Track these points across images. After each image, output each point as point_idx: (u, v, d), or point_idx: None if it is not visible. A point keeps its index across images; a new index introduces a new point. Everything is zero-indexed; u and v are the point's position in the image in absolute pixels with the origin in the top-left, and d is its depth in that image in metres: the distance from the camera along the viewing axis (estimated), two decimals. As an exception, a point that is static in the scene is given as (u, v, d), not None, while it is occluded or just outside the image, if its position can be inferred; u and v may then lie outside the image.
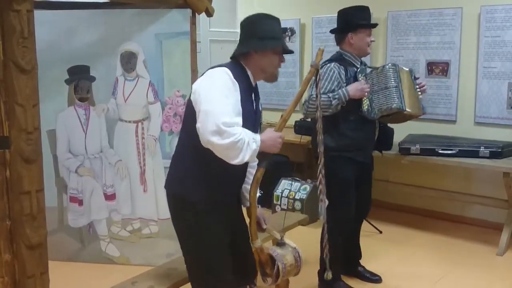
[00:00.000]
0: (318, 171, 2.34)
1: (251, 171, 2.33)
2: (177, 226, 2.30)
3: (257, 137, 2.08)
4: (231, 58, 2.27)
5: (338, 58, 3.12)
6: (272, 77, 2.29)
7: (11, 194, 1.66)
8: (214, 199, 2.20)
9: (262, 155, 2.14)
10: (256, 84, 2.32)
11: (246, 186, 2.37)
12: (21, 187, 1.65)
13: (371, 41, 3.12)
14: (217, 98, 2.02)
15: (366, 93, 3.04)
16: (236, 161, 2.01)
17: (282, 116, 2.25)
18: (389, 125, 3.54)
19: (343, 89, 2.99)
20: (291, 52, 2.29)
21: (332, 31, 3.25)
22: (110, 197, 3.70)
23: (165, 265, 2.74)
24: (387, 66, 3.13)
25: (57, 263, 3.27)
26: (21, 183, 1.65)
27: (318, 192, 2.37)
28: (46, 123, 3.27)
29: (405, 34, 4.71)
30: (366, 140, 3.18)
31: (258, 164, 2.22)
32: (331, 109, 2.96)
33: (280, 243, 2.37)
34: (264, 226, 2.44)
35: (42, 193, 1.71)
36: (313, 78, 2.35)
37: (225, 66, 2.15)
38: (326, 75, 3.01)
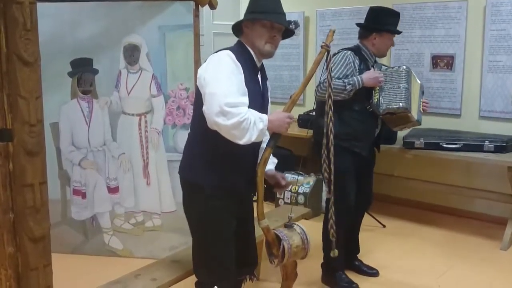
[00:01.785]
0: (322, 160, 2.34)
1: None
2: (186, 210, 2.34)
3: (264, 116, 2.09)
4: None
5: (355, 50, 3.15)
6: (264, 53, 2.25)
7: (14, 187, 1.66)
8: (223, 184, 2.21)
9: (270, 135, 2.14)
10: (262, 65, 2.33)
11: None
12: (24, 180, 1.64)
13: (392, 46, 3.23)
14: (220, 80, 2.04)
15: (380, 82, 3.08)
16: (243, 140, 2.02)
17: (291, 96, 2.24)
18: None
19: (358, 76, 3.03)
20: (279, 23, 2.23)
21: (358, 25, 3.27)
22: (113, 190, 3.71)
23: (168, 258, 2.74)
24: (402, 68, 3.21)
25: (60, 256, 3.28)
26: (24, 176, 1.64)
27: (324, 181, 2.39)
28: (49, 115, 3.27)
29: (410, 27, 4.68)
30: (366, 132, 3.18)
31: (266, 144, 2.22)
32: (343, 94, 2.98)
33: (288, 225, 2.36)
34: (283, 182, 2.41)
35: (45, 185, 1.70)
36: (324, 59, 2.33)
37: (228, 49, 2.17)
38: (342, 60, 3.05)
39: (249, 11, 2.26)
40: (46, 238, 1.72)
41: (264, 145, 2.31)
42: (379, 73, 3.11)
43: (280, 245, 2.27)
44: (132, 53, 3.56)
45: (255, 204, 2.30)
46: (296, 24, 5.44)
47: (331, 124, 2.32)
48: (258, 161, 2.24)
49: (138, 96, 3.59)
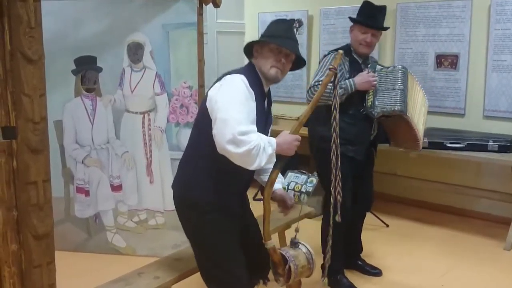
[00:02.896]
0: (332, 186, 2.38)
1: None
2: (184, 227, 2.34)
3: (273, 140, 2.10)
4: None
5: (345, 49, 3.08)
6: (269, 78, 2.24)
7: (18, 184, 1.66)
8: (220, 203, 2.21)
9: (277, 157, 2.15)
10: (269, 90, 2.33)
11: (262, 178, 2.41)
12: (28, 177, 1.65)
13: (365, 41, 3.03)
14: (233, 107, 2.03)
15: (373, 86, 3.01)
16: (254, 166, 2.04)
17: (298, 118, 2.24)
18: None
19: (350, 79, 2.97)
20: (285, 47, 2.21)
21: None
22: (116, 188, 3.71)
23: (171, 256, 2.74)
24: (398, 68, 3.10)
25: (63, 253, 3.29)
26: (28, 173, 1.64)
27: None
28: (53, 113, 3.27)
29: (414, 26, 4.67)
30: (359, 136, 3.11)
31: (273, 166, 2.22)
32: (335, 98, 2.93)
33: (293, 243, 2.37)
34: (290, 203, 2.42)
35: (49, 183, 1.71)
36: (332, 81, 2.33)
37: (242, 73, 2.15)
38: (329, 63, 2.96)
39: (261, 36, 2.26)
40: (50, 235, 1.72)
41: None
42: (372, 75, 3.02)
43: (286, 265, 2.29)
44: (135, 51, 3.56)
45: (254, 204, 2.31)
46: (300, 22, 5.42)
47: (334, 135, 2.33)
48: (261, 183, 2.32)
49: (142, 94, 3.59)
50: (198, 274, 2.54)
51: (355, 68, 3.06)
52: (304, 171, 4.82)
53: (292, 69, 2.34)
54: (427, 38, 4.61)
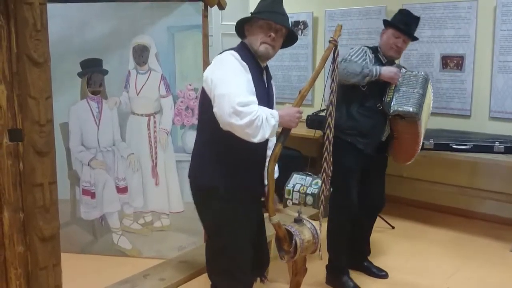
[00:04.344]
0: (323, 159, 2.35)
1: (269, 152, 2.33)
2: (201, 215, 2.33)
3: (275, 112, 2.09)
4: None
5: (373, 48, 3.15)
6: (259, 54, 2.21)
7: (24, 186, 1.67)
8: (237, 185, 2.20)
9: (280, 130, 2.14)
10: (266, 65, 2.32)
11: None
12: (34, 179, 1.65)
13: (396, 45, 3.10)
14: (229, 80, 2.03)
15: (396, 80, 3.04)
16: (258, 138, 2.01)
17: (300, 92, 2.24)
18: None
19: (377, 66, 3.00)
20: (272, 21, 2.18)
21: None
22: (122, 190, 3.72)
23: (177, 258, 2.75)
24: (421, 73, 3.14)
25: (69, 255, 3.30)
26: (34, 175, 1.65)
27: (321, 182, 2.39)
28: (59, 116, 3.28)
29: (420, 28, 4.58)
30: (372, 128, 3.11)
31: (276, 140, 2.22)
32: (358, 77, 2.94)
33: (298, 220, 2.36)
34: (277, 207, 2.40)
35: (55, 185, 1.71)
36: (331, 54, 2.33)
37: (232, 49, 2.17)
38: (359, 51, 3.05)
39: (251, 13, 2.26)
40: (56, 237, 1.73)
41: (271, 144, 2.33)
42: (399, 71, 3.07)
43: (292, 241, 2.27)
44: (141, 54, 3.57)
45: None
46: (305, 24, 5.43)
47: (330, 119, 2.34)
48: (268, 158, 2.25)
49: (147, 96, 3.60)
50: (203, 276, 2.55)
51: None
52: (309, 173, 4.81)
53: (284, 45, 2.32)
54: (433, 39, 4.60)
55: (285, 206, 4.68)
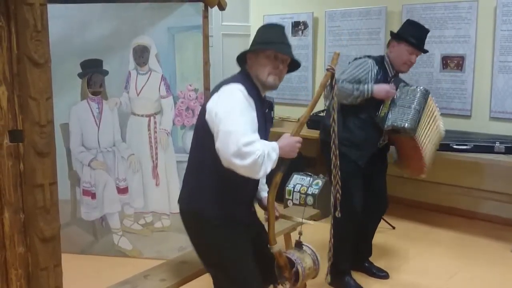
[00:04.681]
0: (332, 166, 2.35)
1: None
2: (195, 243, 2.29)
3: (275, 145, 2.08)
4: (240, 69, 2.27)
5: (378, 60, 3.11)
6: (267, 86, 2.21)
7: (25, 187, 1.67)
8: (230, 214, 2.19)
9: (280, 159, 2.12)
10: (265, 95, 2.31)
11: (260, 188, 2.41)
12: (35, 180, 1.65)
13: (410, 61, 3.10)
14: (235, 118, 2.00)
15: (389, 96, 3.02)
16: (260, 175, 2.02)
17: (298, 120, 2.24)
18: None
19: (369, 84, 2.98)
20: (282, 53, 2.18)
21: (391, 33, 3.24)
22: (122, 190, 3.72)
23: (177, 258, 2.74)
24: (419, 88, 3.09)
25: (70, 256, 3.30)
26: (35, 176, 1.65)
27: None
28: (59, 116, 3.29)
29: (420, 28, 4.65)
30: (367, 141, 3.11)
31: (276, 168, 2.18)
32: (350, 98, 2.96)
33: (298, 244, 2.37)
34: (277, 214, 2.40)
35: (56, 186, 1.71)
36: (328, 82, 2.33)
37: (239, 82, 2.12)
38: (360, 65, 3.03)
39: (254, 41, 2.22)
40: (56, 238, 1.73)
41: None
42: (392, 87, 3.04)
43: (293, 268, 2.28)
44: (141, 54, 3.58)
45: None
46: (305, 25, 5.43)
47: (335, 126, 2.34)
48: (259, 188, 2.31)
49: (148, 97, 3.60)
50: (204, 277, 2.55)
51: (382, 80, 3.07)
52: (309, 173, 4.82)
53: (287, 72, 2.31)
54: (433, 40, 4.59)
55: (286, 206, 4.69)
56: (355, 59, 3.14)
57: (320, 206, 4.38)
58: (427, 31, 3.19)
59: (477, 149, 3.88)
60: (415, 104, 3.02)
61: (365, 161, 3.14)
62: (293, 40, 5.54)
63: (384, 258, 3.68)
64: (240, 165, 1.96)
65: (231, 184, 2.13)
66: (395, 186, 4.65)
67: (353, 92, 2.94)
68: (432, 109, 3.15)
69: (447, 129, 4.33)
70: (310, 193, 4.65)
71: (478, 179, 4.46)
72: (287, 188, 4.78)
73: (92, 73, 3.63)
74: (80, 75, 3.62)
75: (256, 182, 2.29)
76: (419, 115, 3.02)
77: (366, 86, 2.97)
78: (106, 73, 3.62)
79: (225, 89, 2.12)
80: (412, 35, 3.09)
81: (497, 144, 3.85)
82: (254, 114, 2.09)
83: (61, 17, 3.42)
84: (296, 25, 5.45)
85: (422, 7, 4.61)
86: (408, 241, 4.10)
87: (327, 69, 2.30)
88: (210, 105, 2.11)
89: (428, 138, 3.12)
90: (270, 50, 2.16)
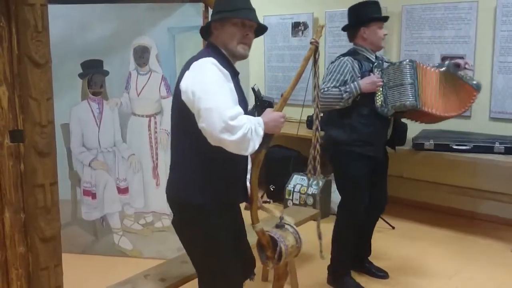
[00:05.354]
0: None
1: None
2: (181, 232, 2.21)
3: (260, 120, 2.01)
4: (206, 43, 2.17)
5: (352, 53, 3.09)
6: (237, 56, 2.09)
7: (25, 187, 1.68)
8: (220, 199, 2.09)
9: (264, 135, 2.03)
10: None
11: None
12: (35, 180, 1.66)
13: (384, 34, 3.09)
14: (214, 94, 1.89)
15: (378, 87, 3.00)
16: (249, 151, 1.94)
17: (282, 95, 2.22)
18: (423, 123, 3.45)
19: (355, 82, 2.96)
20: (250, 19, 2.07)
21: (344, 28, 3.22)
22: (123, 190, 3.73)
23: (177, 258, 2.75)
24: (404, 62, 3.04)
25: (70, 256, 3.31)
26: (35, 176, 1.66)
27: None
28: (60, 116, 3.28)
29: (420, 28, 4.66)
30: (378, 135, 3.12)
31: (259, 145, 2.06)
32: (342, 102, 2.95)
33: (279, 225, 2.34)
34: (259, 205, 2.31)
35: (56, 186, 1.72)
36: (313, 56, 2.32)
37: (209, 56, 2.02)
38: (339, 68, 2.99)
39: (217, 10, 2.09)
40: (57, 238, 1.73)
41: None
42: (377, 76, 3.00)
43: (275, 248, 2.24)
44: (142, 55, 3.58)
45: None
46: (305, 25, 5.43)
47: (317, 134, 2.37)
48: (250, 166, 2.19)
49: (148, 97, 3.61)
50: None
51: (368, 70, 3.05)
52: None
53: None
54: (433, 40, 4.60)
55: (286, 206, 4.69)
56: (331, 62, 3.10)
57: (320, 206, 4.37)
58: (378, 2, 3.14)
59: (477, 149, 3.88)
60: (407, 79, 2.98)
61: (382, 152, 3.18)
62: (293, 41, 5.55)
63: (384, 258, 3.68)
64: (229, 140, 1.86)
65: (220, 164, 2.03)
66: (395, 186, 4.65)
67: (342, 95, 2.92)
68: (423, 71, 3.10)
69: (446, 129, 4.36)
70: (310, 193, 4.65)
71: (478, 179, 4.46)
72: (287, 188, 4.79)
73: (93, 73, 3.63)
74: (81, 76, 3.63)
75: (246, 161, 2.21)
76: (416, 87, 3.00)
77: (352, 85, 2.95)
78: (106, 73, 3.63)
79: (197, 65, 1.99)
80: (372, 11, 3.08)
81: (497, 144, 3.85)
82: (231, 85, 2.00)
83: (62, 17, 3.43)
84: (296, 25, 5.46)
85: (422, 7, 4.62)
86: (408, 241, 4.10)
87: (311, 42, 2.28)
88: (184, 84, 1.98)
89: (432, 95, 3.09)
90: (238, 18, 2.04)
